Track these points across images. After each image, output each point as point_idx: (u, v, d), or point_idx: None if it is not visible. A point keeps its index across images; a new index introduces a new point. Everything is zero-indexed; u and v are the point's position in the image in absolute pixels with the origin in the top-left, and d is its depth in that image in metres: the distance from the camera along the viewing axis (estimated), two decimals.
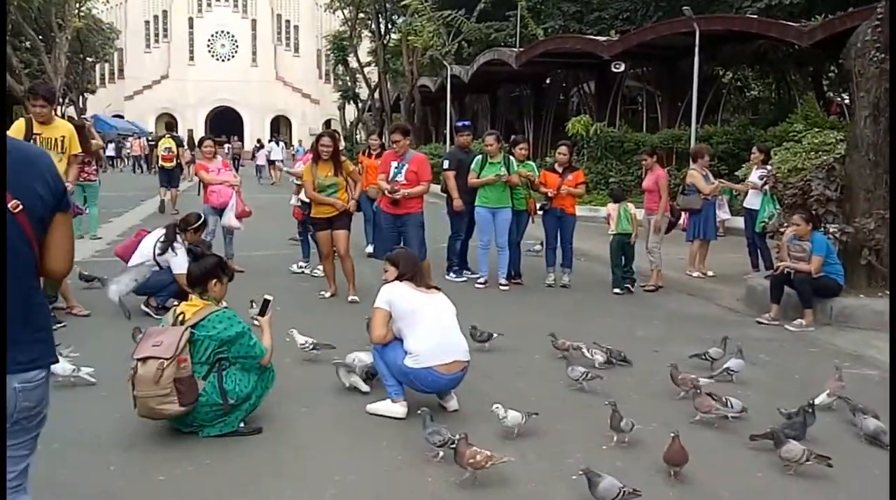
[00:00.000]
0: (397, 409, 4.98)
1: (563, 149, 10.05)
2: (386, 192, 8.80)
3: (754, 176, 10.70)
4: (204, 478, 4.06)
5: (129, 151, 41.80)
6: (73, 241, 2.58)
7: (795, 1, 20.59)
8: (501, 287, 9.56)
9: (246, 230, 10.98)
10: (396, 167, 8.81)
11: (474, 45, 31.58)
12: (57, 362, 2.81)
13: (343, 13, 45.86)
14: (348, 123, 53.42)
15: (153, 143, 38.79)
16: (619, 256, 9.62)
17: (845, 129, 11.95)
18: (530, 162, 10.29)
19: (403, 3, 33.40)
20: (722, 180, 11.95)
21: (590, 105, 25.76)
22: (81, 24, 42.51)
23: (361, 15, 43.38)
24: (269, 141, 37.02)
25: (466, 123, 11.48)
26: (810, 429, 4.60)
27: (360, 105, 50.39)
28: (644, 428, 4.72)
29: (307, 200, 10.63)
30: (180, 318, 4.61)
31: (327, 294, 8.85)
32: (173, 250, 7.68)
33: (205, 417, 4.53)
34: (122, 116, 62.40)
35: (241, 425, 4.65)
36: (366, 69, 45.99)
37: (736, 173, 14.99)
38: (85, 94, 51.05)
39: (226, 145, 29.93)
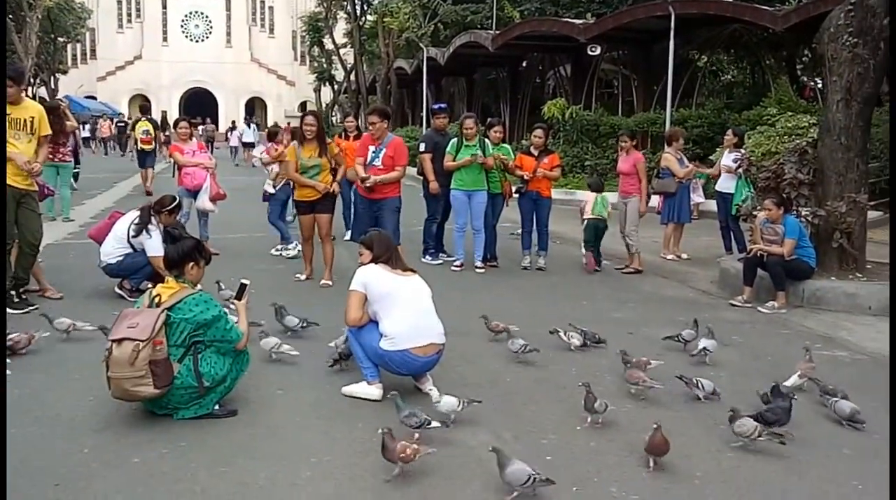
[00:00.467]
0: (372, 391, 4.99)
1: (538, 132, 10.04)
2: (359, 181, 8.78)
3: (727, 159, 10.78)
4: (179, 460, 4.05)
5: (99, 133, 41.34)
6: None
7: None
8: (477, 270, 9.58)
9: (220, 213, 10.93)
10: (374, 152, 8.73)
11: (451, 27, 31.52)
12: None
13: None
14: (324, 105, 53.16)
15: (121, 124, 38.45)
16: (593, 236, 9.80)
17: (818, 113, 12.06)
18: (505, 145, 10.28)
19: None
20: (696, 163, 12.02)
21: (566, 88, 25.79)
22: (52, 3, 41.85)
23: None
24: (244, 122, 36.71)
25: (443, 105, 11.44)
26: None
27: (335, 87, 50.16)
28: (618, 409, 4.76)
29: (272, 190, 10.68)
30: (156, 300, 4.58)
31: (302, 277, 8.82)
32: (148, 232, 7.61)
33: (180, 399, 4.52)
34: (94, 97, 61.67)
35: (217, 407, 4.64)
36: (341, 51, 45.72)
37: (710, 157, 15.14)
38: (56, 74, 50.29)
39: (199, 127, 29.70)
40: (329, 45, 46.93)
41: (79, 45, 66.04)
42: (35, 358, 5.66)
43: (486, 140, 9.78)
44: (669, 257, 10.86)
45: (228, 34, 72.27)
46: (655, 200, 11.44)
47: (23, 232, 7.05)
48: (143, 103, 22.75)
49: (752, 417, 4.39)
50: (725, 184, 10.71)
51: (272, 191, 10.84)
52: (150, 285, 6.12)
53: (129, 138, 33.49)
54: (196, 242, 4.93)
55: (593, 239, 9.84)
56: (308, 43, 53.27)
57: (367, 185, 8.68)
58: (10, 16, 35.99)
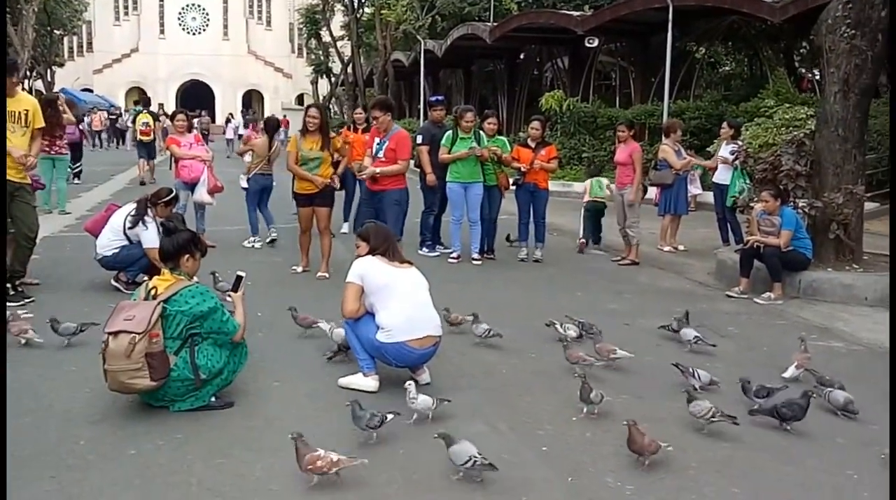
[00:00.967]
0: (369, 382, 4.99)
1: (535, 124, 10.04)
2: (356, 172, 8.78)
3: (724, 151, 10.78)
4: (175, 452, 4.05)
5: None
6: None
7: None
8: (474, 262, 9.58)
9: (217, 205, 10.92)
10: (378, 143, 8.77)
11: (448, 19, 31.45)
12: None
13: None
14: (321, 98, 53.03)
15: (113, 117, 38.35)
16: (591, 222, 9.98)
17: (815, 104, 12.05)
18: (501, 137, 10.29)
19: None
20: (692, 154, 12.02)
21: (563, 80, 25.77)
22: None
23: None
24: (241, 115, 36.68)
25: (440, 97, 11.44)
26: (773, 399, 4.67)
27: (333, 80, 50.01)
28: (613, 400, 4.77)
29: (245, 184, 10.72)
30: (152, 292, 4.58)
31: (299, 269, 8.81)
32: (143, 224, 7.60)
33: (176, 392, 4.52)
34: (90, 90, 61.48)
35: (213, 399, 4.64)
36: (339, 43, 45.62)
37: (707, 149, 15.14)
38: (53, 67, 50.20)
39: (195, 120, 29.77)
40: (326, 38, 46.80)
41: (75, 38, 65.90)
42: (30, 350, 5.66)
43: (481, 132, 9.77)
44: (666, 248, 10.87)
45: (225, 27, 72.07)
46: (652, 192, 11.44)
47: (19, 225, 7.05)
48: (142, 96, 22.84)
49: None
50: (722, 175, 10.70)
51: (245, 185, 10.86)
52: (146, 278, 6.12)
53: (128, 131, 33.57)
54: (191, 235, 4.92)
55: (591, 224, 9.88)
56: (305, 35, 53.09)
57: (363, 176, 8.69)
58: (7, 8, 35.88)
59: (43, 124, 7.37)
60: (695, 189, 13.87)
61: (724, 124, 11.33)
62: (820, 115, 8.75)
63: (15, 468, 3.77)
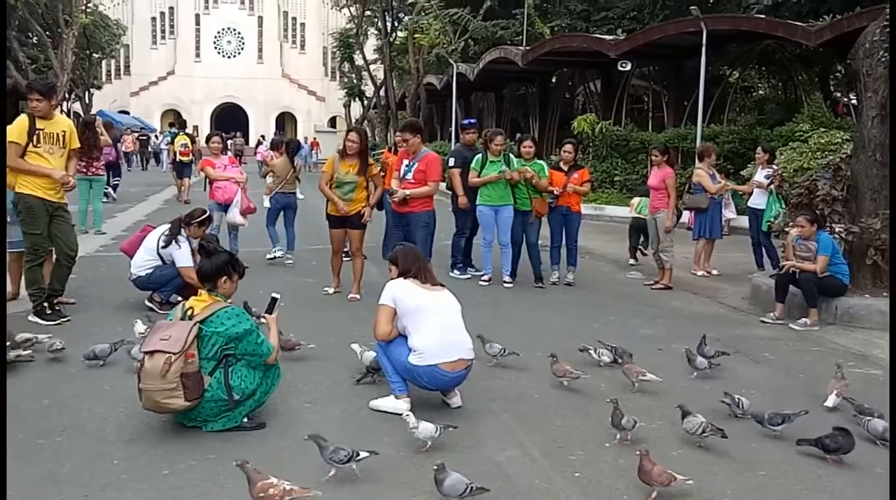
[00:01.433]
0: (400, 405, 4.97)
1: (568, 147, 10.02)
2: (389, 195, 8.82)
3: (760, 175, 10.70)
4: (207, 472, 4.06)
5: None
6: None
7: (803, 0, 20.55)
8: (505, 284, 9.55)
9: (249, 226, 11.00)
10: (407, 166, 8.80)
11: (480, 43, 31.58)
12: None
13: (349, 10, 45.97)
14: (354, 121, 53.42)
15: (144, 138, 39.02)
16: (635, 235, 11.14)
17: (852, 129, 11.92)
18: (539, 161, 10.06)
19: (410, 0, 33.38)
20: (727, 181, 11.92)
21: (595, 104, 25.77)
22: (88, 20, 42.59)
23: (368, 12, 43.50)
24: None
25: (472, 121, 11.45)
26: (810, 424, 4.60)
27: (365, 103, 50.36)
28: (647, 426, 4.72)
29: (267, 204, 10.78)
30: (188, 313, 4.62)
31: (331, 290, 8.83)
32: (177, 243, 7.67)
33: (209, 412, 4.54)
34: (127, 112, 62.46)
35: (245, 420, 4.66)
36: (371, 67, 46.00)
37: (741, 173, 15.02)
38: (91, 90, 51.08)
39: (229, 142, 30.26)
40: (359, 61, 47.21)
41: (113, 61, 67.08)
42: (65, 367, 5.73)
43: (511, 155, 9.75)
44: (700, 273, 10.78)
45: (260, 50, 73.07)
46: (686, 216, 11.37)
47: (59, 244, 7.20)
48: (177, 118, 23.52)
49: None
50: (757, 200, 10.62)
51: (267, 205, 11.26)
52: (179, 298, 6.17)
53: (163, 152, 34.13)
54: (230, 257, 4.95)
55: (636, 237, 11.15)
56: (338, 59, 53.59)
57: (395, 199, 8.72)
58: (47, 32, 36.68)
59: (78, 145, 7.55)
60: (729, 213, 13.75)
61: (759, 149, 11.25)
62: (857, 139, 8.66)
63: (50, 487, 3.80)
